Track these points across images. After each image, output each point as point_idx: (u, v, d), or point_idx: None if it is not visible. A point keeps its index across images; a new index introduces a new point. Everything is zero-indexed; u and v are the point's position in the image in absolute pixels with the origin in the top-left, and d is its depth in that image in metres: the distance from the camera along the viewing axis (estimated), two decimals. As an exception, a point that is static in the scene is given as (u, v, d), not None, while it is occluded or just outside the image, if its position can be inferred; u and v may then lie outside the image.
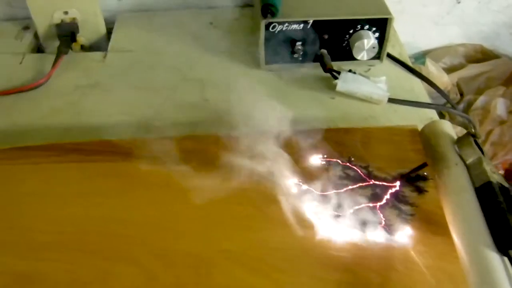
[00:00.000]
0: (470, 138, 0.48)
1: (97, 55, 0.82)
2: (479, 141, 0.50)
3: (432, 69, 0.94)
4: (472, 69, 1.02)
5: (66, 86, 0.75)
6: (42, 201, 0.54)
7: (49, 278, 0.47)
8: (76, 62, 0.80)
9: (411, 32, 1.02)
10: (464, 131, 0.52)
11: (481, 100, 0.98)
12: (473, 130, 0.50)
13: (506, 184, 0.46)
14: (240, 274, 0.48)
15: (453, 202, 0.46)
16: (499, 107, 0.96)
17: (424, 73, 0.85)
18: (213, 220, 0.52)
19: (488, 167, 0.46)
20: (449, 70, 1.03)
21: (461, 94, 1.02)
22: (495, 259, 0.41)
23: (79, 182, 0.56)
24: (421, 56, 1.01)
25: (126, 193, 0.55)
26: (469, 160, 0.48)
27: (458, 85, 1.02)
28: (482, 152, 0.48)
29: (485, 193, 0.45)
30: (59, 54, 0.78)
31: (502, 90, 0.98)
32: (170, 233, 0.51)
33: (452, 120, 0.94)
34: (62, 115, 0.70)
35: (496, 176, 0.46)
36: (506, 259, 0.41)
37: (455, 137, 0.52)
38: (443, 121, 0.53)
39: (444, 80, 0.96)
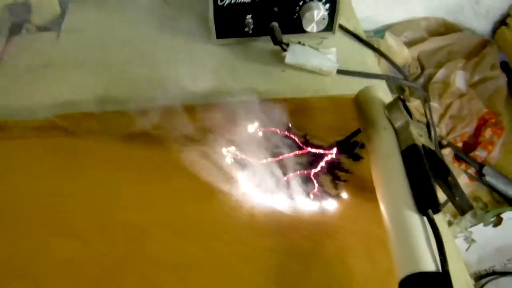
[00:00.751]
0: (398, 102, 0.49)
1: (50, 35, 0.81)
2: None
3: (391, 42, 0.94)
4: (433, 43, 1.02)
5: (18, 67, 0.74)
6: None
7: None
8: (29, 43, 0.79)
9: (372, 7, 1.02)
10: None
11: (441, 73, 0.98)
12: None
13: (432, 147, 0.46)
14: (175, 242, 0.49)
15: (380, 167, 0.46)
16: (459, 80, 0.96)
17: (383, 47, 0.85)
18: (151, 192, 0.53)
19: (415, 130, 0.47)
20: (411, 44, 1.03)
21: (422, 69, 1.02)
22: (414, 218, 0.41)
23: (21, 157, 0.56)
24: (382, 31, 1.01)
25: (68, 168, 0.55)
26: (397, 124, 0.48)
27: (419, 59, 1.02)
28: (411, 116, 0.48)
29: (410, 156, 0.45)
30: (10, 35, 0.77)
31: (462, 63, 0.98)
32: (109, 205, 0.52)
33: (412, 94, 0.94)
34: (14, 95, 0.69)
35: (422, 139, 0.46)
36: (425, 219, 0.42)
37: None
38: (376, 86, 0.54)
39: (404, 54, 0.96)
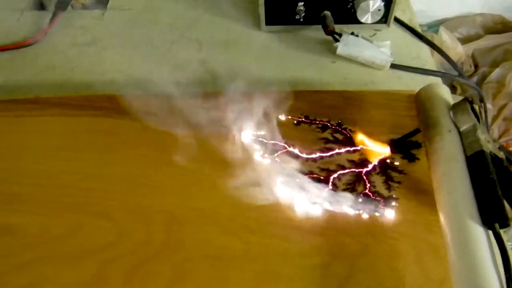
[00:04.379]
0: (466, 104, 0.45)
1: (96, 13, 0.80)
2: (481, 116, 0.46)
3: (445, 38, 0.89)
4: (489, 40, 0.97)
5: (63, 43, 0.74)
6: (19, 153, 0.53)
7: (21, 229, 0.47)
8: (74, 19, 0.78)
9: (428, 1, 0.97)
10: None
11: (496, 72, 0.93)
12: (482, 103, 0.46)
13: (500, 155, 0.43)
14: (211, 232, 0.47)
15: (442, 171, 0.43)
16: (515, 80, 0.91)
17: (436, 42, 0.81)
18: (189, 179, 0.51)
19: (483, 135, 0.43)
20: (465, 40, 0.97)
21: (476, 66, 0.97)
22: (479, 232, 0.38)
23: (59, 136, 0.55)
24: (436, 25, 0.96)
25: (106, 149, 0.54)
26: (463, 128, 0.45)
27: (473, 57, 0.97)
28: (479, 120, 0.45)
29: (476, 162, 0.42)
30: (57, 11, 0.77)
31: (520, 63, 0.93)
32: (145, 190, 0.50)
33: (464, 92, 0.89)
34: (57, 72, 0.69)
35: (490, 145, 0.43)
36: (490, 232, 0.38)
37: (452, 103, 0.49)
38: (439, 84, 0.50)
39: (458, 50, 0.91)
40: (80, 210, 0.48)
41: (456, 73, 0.77)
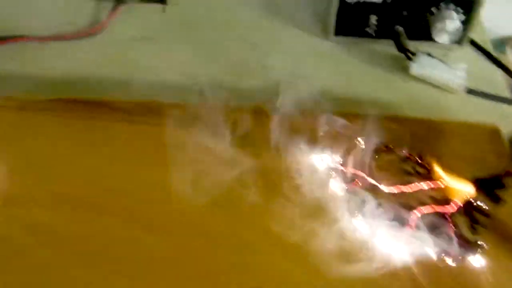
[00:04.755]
0: None
1: (156, 7, 0.78)
2: None
3: (512, 59, 0.86)
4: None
5: (123, 37, 0.72)
6: (67, 155, 0.52)
7: (56, 230, 0.46)
8: (134, 12, 0.76)
9: (491, 15, 0.93)
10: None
11: None
12: None
13: None
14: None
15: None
16: None
17: (503, 63, 0.78)
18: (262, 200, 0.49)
19: None
20: (529, 61, 0.93)
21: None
22: None
23: (124, 144, 0.54)
24: (500, 43, 0.92)
25: (155, 158, 0.52)
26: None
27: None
28: None
29: None
30: (117, 2, 0.75)
31: None
32: (211, 209, 0.48)
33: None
34: (114, 66, 0.67)
35: None
36: None
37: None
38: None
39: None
40: (126, 218, 0.47)
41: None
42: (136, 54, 0.69)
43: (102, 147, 0.54)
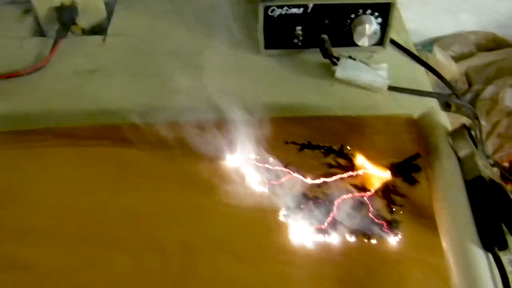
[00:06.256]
0: (464, 131, 0.47)
1: (97, 39, 0.81)
2: (476, 133, 0.48)
3: (439, 57, 0.91)
4: (482, 58, 0.99)
5: (66, 71, 0.74)
6: (34, 186, 0.54)
7: (39, 264, 0.48)
8: (75, 45, 0.79)
9: (420, 19, 0.99)
10: (470, 122, 0.50)
11: (489, 90, 0.95)
12: (476, 121, 0.48)
13: (498, 180, 0.44)
14: (225, 261, 0.48)
15: (442, 196, 0.45)
16: (508, 97, 0.93)
17: (431, 61, 0.83)
18: (204, 208, 0.52)
19: (480, 161, 0.45)
20: (458, 58, 1.00)
21: (470, 84, 0.99)
22: (479, 255, 0.40)
23: (70, 167, 0.56)
24: (429, 44, 0.98)
25: (120, 180, 0.55)
26: (462, 153, 0.46)
27: (466, 74, 0.99)
28: (476, 146, 0.47)
29: (475, 188, 0.44)
30: (58, 38, 0.77)
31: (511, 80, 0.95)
32: (160, 220, 0.51)
33: (459, 110, 0.91)
34: (61, 100, 0.69)
35: (488, 171, 0.45)
36: (490, 256, 0.40)
37: (450, 129, 0.51)
38: (437, 110, 0.52)
39: (452, 69, 0.93)
40: (96, 242, 0.49)
41: (450, 92, 0.79)
42: (81, 86, 0.72)
43: (48, 173, 0.56)
